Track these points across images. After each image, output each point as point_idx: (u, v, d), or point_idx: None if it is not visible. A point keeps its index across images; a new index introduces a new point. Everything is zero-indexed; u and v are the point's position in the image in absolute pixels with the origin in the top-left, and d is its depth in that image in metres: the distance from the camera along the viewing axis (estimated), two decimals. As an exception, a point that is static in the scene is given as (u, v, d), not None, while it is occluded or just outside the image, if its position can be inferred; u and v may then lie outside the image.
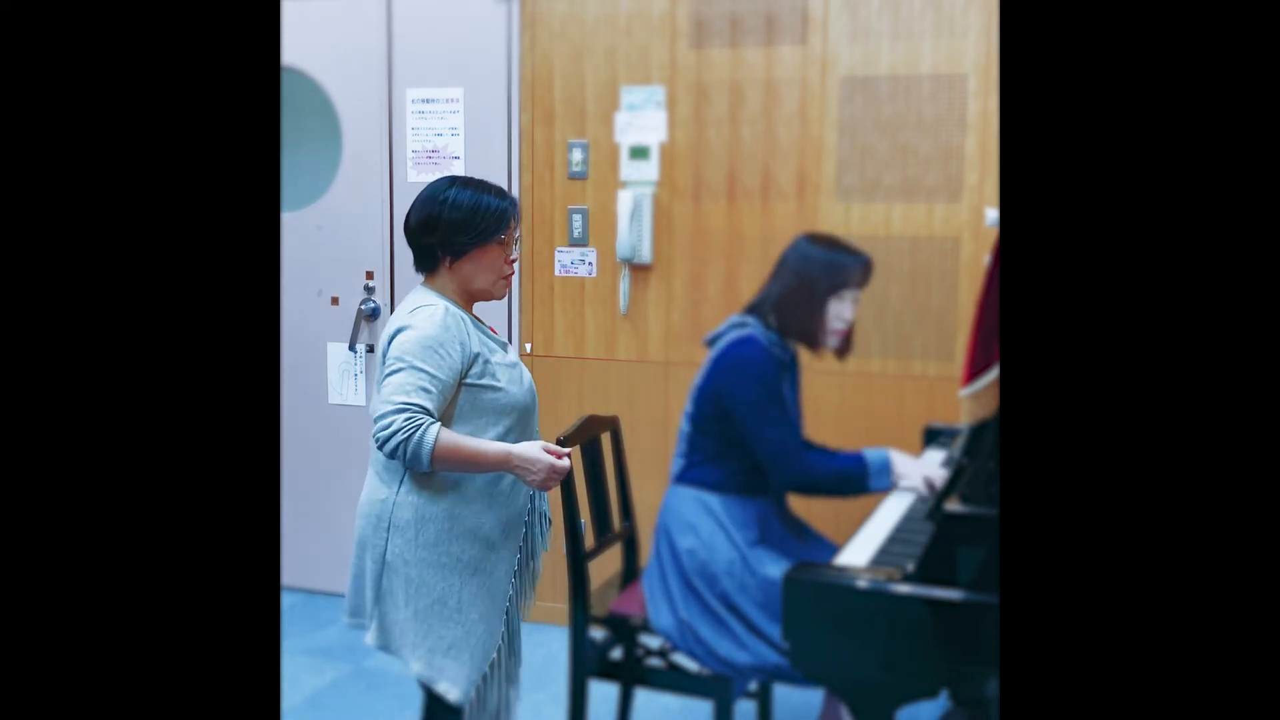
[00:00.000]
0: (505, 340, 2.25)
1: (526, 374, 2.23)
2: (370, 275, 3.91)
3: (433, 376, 2.02)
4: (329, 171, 3.95)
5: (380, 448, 2.00)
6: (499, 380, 2.12)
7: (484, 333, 2.17)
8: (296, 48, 3.86)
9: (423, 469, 2.02)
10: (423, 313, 2.08)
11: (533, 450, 2.05)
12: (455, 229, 2.10)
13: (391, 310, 3.87)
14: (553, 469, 2.05)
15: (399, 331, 2.06)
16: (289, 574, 4.04)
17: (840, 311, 2.49)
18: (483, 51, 3.70)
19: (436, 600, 2.10)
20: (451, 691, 2.11)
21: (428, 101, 3.78)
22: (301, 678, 3.38)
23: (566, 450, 2.09)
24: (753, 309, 2.55)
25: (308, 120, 3.99)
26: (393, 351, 2.05)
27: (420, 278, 2.20)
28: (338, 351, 3.97)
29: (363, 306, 3.90)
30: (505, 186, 2.29)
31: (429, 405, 2.00)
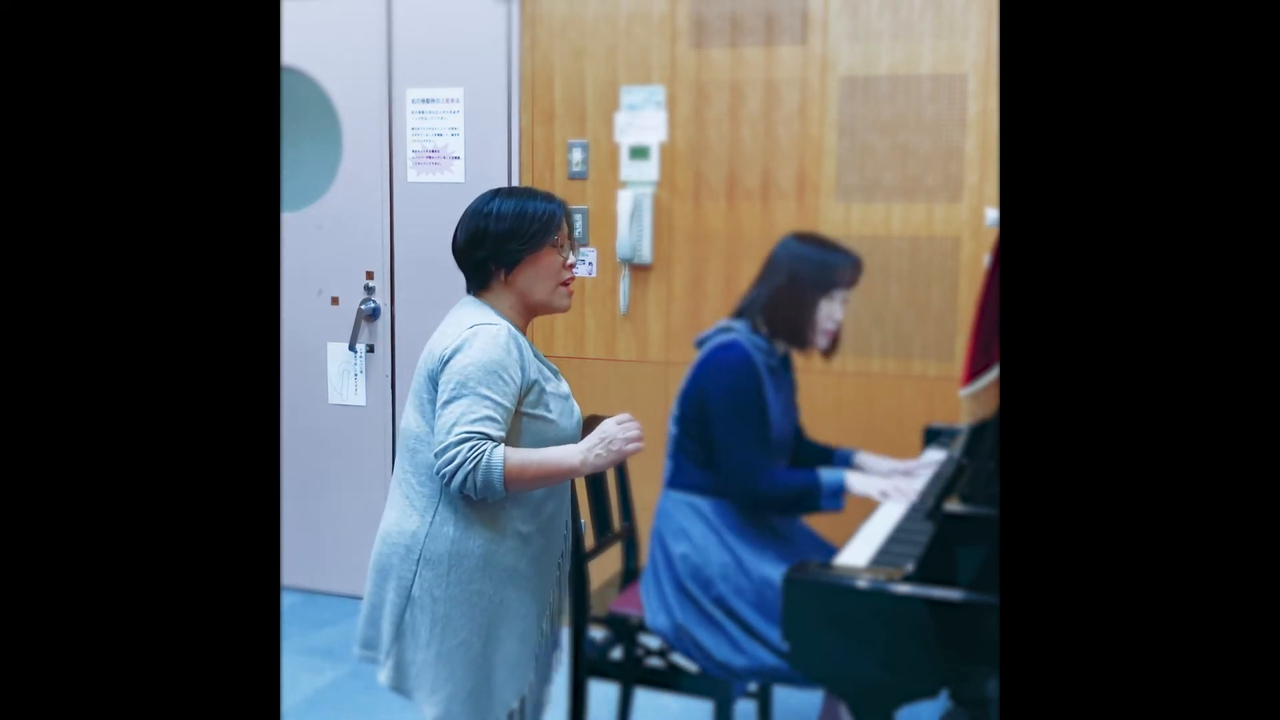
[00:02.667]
0: (557, 368, 2.13)
1: (576, 409, 2.11)
2: (370, 275, 3.91)
3: (497, 404, 1.89)
4: (329, 171, 3.95)
5: (448, 484, 1.87)
6: (551, 411, 2.00)
7: (541, 359, 2.05)
8: (296, 48, 3.86)
9: (497, 497, 1.89)
10: (484, 333, 1.93)
11: (601, 429, 1.96)
12: (504, 238, 1.99)
13: (392, 310, 3.88)
14: (628, 425, 1.97)
15: (456, 352, 1.91)
16: (289, 574, 4.04)
17: (831, 311, 2.48)
18: (483, 51, 3.70)
19: (462, 642, 1.96)
20: None
21: (428, 101, 3.78)
22: (301, 678, 3.38)
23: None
24: (741, 312, 2.53)
25: (308, 120, 3.99)
26: (450, 377, 1.90)
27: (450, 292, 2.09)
28: (338, 351, 3.97)
29: (363, 306, 3.90)
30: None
31: (493, 434, 1.87)
